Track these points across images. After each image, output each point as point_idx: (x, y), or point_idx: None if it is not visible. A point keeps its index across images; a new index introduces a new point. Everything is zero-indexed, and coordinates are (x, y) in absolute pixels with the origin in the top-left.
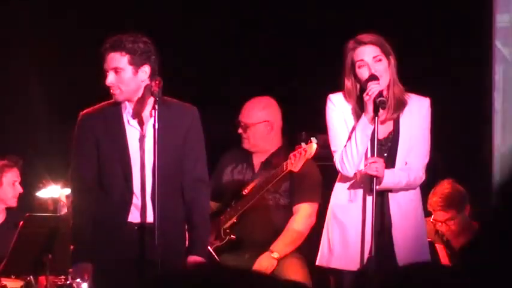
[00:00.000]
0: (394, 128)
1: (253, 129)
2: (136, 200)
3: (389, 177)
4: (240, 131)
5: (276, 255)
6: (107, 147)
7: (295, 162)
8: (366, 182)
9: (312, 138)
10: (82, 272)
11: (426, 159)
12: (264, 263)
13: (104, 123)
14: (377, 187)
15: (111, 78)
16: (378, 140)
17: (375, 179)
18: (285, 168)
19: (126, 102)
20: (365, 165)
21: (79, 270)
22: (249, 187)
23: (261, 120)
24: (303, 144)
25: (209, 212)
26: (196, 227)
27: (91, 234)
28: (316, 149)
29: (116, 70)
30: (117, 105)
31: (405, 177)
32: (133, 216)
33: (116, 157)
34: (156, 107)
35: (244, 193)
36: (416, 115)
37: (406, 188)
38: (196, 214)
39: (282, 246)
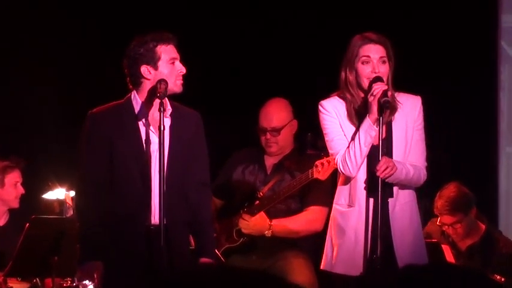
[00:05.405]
0: (386, 132)
1: (283, 132)
2: (152, 201)
3: (399, 167)
4: (267, 137)
5: (270, 228)
6: (122, 146)
7: (322, 171)
8: (365, 186)
9: None
10: (91, 270)
11: (425, 157)
12: (259, 221)
13: (118, 123)
14: (387, 180)
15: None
16: (376, 144)
17: (379, 180)
18: (310, 176)
19: (139, 102)
20: (379, 174)
21: (88, 269)
22: (264, 190)
23: (288, 121)
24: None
25: (212, 214)
26: (204, 230)
27: (101, 234)
28: None
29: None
30: (129, 105)
31: (412, 170)
32: (148, 218)
33: (132, 157)
34: (162, 108)
35: (259, 196)
36: (409, 116)
37: (414, 182)
38: (203, 217)
39: (279, 225)
